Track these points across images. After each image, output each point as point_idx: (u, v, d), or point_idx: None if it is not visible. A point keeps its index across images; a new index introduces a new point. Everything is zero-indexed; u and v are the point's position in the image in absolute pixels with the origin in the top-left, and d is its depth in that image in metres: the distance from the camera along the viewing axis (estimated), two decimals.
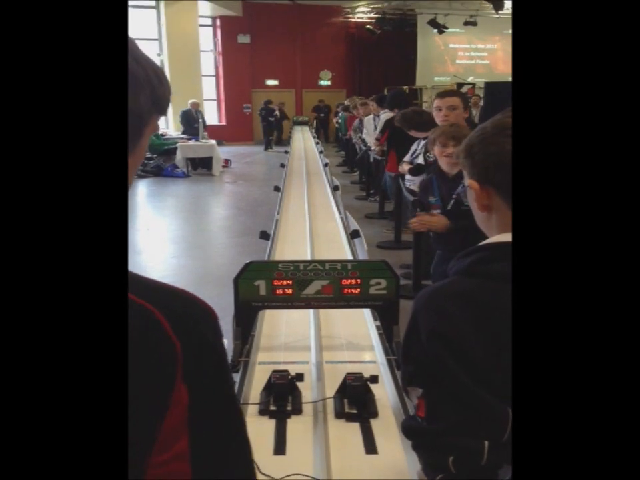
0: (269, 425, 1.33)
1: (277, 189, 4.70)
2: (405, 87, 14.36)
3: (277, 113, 15.04)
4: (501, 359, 0.74)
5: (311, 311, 1.90)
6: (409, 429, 0.91)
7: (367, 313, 1.92)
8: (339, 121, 12.53)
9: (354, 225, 3.26)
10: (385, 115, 6.51)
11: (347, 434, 1.30)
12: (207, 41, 15.90)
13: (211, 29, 16.17)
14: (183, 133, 11.83)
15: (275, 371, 1.43)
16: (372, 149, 6.58)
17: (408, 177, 4.56)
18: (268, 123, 15.02)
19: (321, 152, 7.52)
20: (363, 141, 8.09)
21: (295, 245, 2.97)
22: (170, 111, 13.77)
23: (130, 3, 12.63)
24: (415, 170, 4.59)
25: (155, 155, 10.70)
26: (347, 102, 11.29)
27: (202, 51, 14.63)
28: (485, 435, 0.81)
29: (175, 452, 0.57)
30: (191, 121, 11.77)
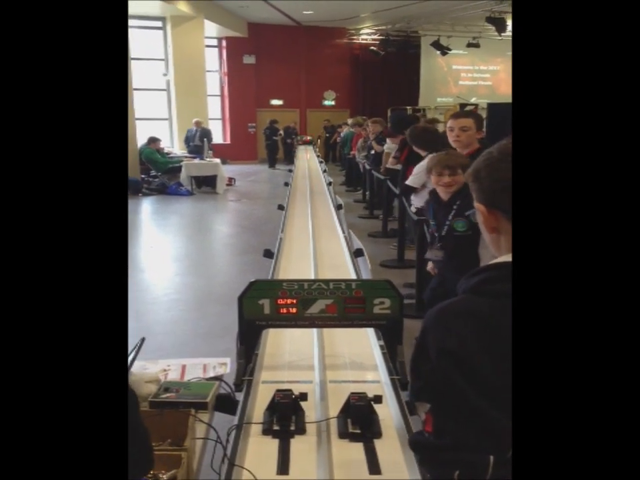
0: (273, 444, 1.33)
1: (280, 207, 4.70)
2: (408, 107, 14.46)
3: (281, 132, 15.14)
4: (508, 375, 0.75)
5: (315, 330, 1.90)
6: (416, 444, 0.93)
7: (370, 332, 1.91)
8: (340, 138, 12.68)
9: (357, 244, 3.26)
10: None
11: (350, 454, 1.29)
12: (213, 61, 16.08)
13: (216, 49, 16.36)
14: (190, 152, 11.94)
15: (278, 390, 1.42)
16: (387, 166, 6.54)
17: (413, 196, 4.56)
18: (272, 141, 15.13)
19: (324, 171, 7.54)
20: (367, 159, 8.12)
21: (298, 263, 2.97)
22: (175, 129, 13.96)
23: (137, 24, 12.88)
24: (406, 189, 4.60)
25: (159, 173, 10.76)
26: (350, 121, 11.37)
27: (208, 71, 14.78)
28: (491, 450, 0.82)
29: None
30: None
